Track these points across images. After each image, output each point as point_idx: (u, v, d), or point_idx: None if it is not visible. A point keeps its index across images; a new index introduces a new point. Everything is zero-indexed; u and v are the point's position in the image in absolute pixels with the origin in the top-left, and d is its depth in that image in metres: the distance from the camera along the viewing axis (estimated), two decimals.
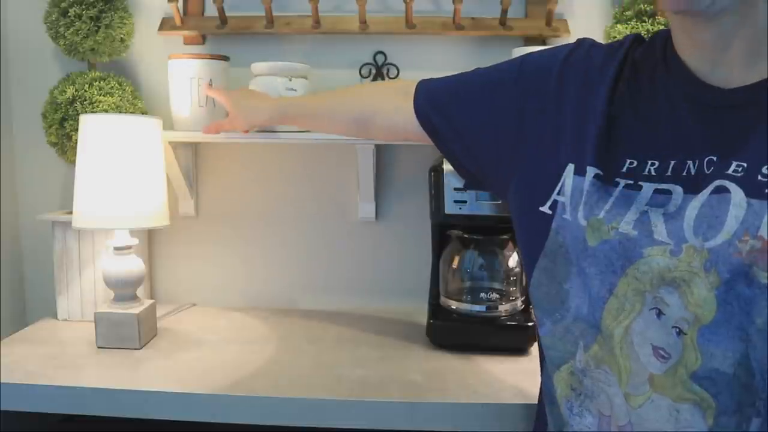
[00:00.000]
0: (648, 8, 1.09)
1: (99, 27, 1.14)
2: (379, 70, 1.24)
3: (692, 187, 0.52)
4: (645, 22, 1.08)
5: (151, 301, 1.10)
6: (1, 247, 1.27)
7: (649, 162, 0.55)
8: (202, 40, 1.27)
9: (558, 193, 0.60)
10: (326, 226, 1.32)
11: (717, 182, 0.50)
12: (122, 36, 1.18)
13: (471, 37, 1.24)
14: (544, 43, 1.21)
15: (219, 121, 1.05)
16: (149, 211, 1.04)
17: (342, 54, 1.25)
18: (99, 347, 1.03)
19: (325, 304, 1.33)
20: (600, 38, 0.97)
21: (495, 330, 1.04)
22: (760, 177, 0.48)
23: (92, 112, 1.12)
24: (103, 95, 1.14)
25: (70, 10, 1.12)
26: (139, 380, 0.92)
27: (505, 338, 1.05)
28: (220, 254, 1.33)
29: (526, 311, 1.08)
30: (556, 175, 0.60)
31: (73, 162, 1.10)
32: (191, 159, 1.29)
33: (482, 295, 1.07)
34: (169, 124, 1.15)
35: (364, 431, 0.85)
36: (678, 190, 0.52)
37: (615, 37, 1.10)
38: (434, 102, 0.75)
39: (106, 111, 1.13)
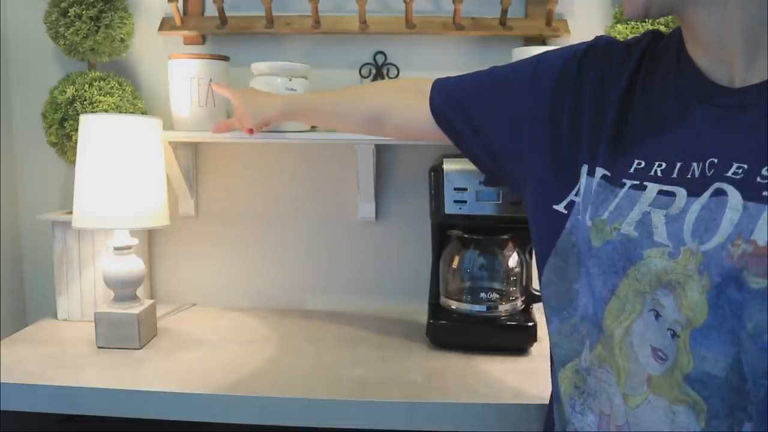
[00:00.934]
0: None
1: (99, 27, 1.14)
2: (379, 70, 1.24)
3: (695, 189, 0.51)
4: (645, 21, 1.08)
5: (151, 301, 1.10)
6: (1, 247, 1.27)
7: (656, 163, 0.55)
8: (202, 40, 1.27)
9: (576, 194, 0.60)
10: (326, 226, 1.32)
11: (716, 185, 0.50)
12: (122, 36, 1.18)
13: (471, 37, 1.24)
14: (544, 43, 1.21)
15: (229, 120, 1.05)
16: (149, 211, 1.04)
17: (342, 54, 1.25)
18: (99, 347, 1.03)
19: (325, 304, 1.33)
20: None
21: (495, 330, 1.04)
22: (759, 179, 0.47)
23: (92, 112, 1.12)
24: (103, 95, 1.14)
25: (70, 10, 1.12)
26: (139, 380, 0.92)
27: (505, 338, 1.05)
28: (220, 254, 1.33)
29: (526, 311, 1.08)
30: (573, 175, 0.60)
31: (73, 162, 1.10)
32: (191, 159, 1.29)
33: (482, 295, 1.07)
34: (169, 124, 1.15)
35: (364, 431, 0.85)
36: (682, 192, 0.52)
37: (615, 37, 1.10)
38: (451, 101, 0.75)
39: (106, 111, 1.13)
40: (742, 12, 0.51)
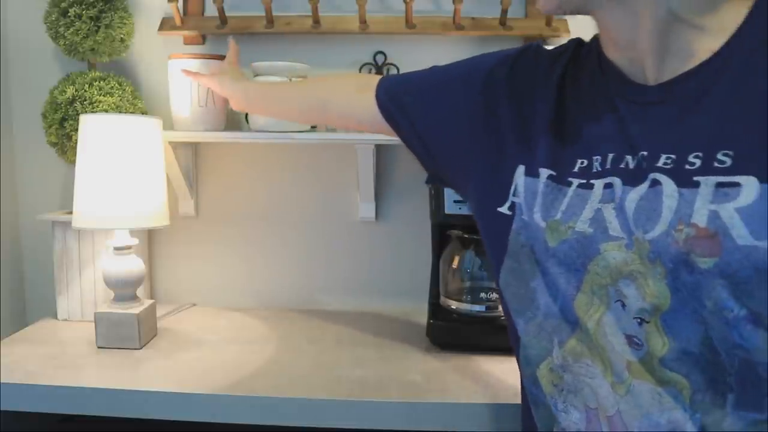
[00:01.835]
0: None
1: (99, 27, 1.14)
2: (379, 70, 1.24)
3: (630, 180, 0.53)
4: None
5: (151, 301, 1.10)
6: (1, 247, 1.27)
7: (594, 158, 0.57)
8: (202, 40, 1.27)
9: (513, 195, 0.61)
10: (326, 226, 1.32)
11: (651, 175, 0.52)
12: (122, 36, 1.18)
13: (471, 37, 1.24)
14: (544, 43, 1.21)
15: (202, 74, 1.08)
16: (149, 211, 1.04)
17: (342, 54, 1.25)
18: (99, 347, 1.03)
19: (325, 304, 1.33)
20: None
21: (495, 330, 1.04)
22: (687, 166, 0.50)
23: (92, 112, 1.12)
24: (103, 95, 1.14)
25: (70, 10, 1.12)
26: (139, 380, 0.92)
27: (505, 338, 1.03)
28: (220, 254, 1.33)
29: None
30: (509, 177, 0.62)
31: (73, 162, 1.10)
32: (191, 159, 1.29)
33: (482, 295, 1.07)
34: (169, 124, 1.15)
35: (364, 431, 0.85)
36: (617, 181, 0.54)
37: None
38: (394, 98, 0.76)
39: (106, 111, 1.13)
40: (650, 14, 0.53)
